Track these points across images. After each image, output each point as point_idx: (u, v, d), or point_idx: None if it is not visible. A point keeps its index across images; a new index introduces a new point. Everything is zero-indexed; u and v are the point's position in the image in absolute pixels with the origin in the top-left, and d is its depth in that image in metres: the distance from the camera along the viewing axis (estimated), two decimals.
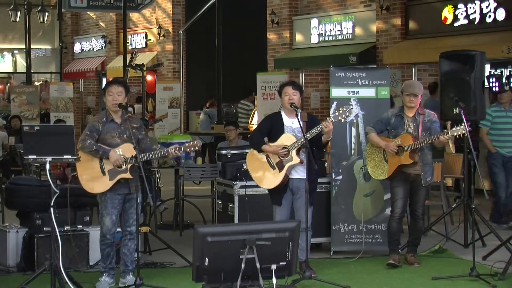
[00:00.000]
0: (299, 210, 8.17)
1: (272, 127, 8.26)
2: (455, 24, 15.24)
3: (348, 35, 17.70)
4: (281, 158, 8.11)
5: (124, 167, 7.67)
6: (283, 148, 8.09)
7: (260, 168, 8.23)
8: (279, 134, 8.17)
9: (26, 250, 8.71)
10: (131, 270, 7.93)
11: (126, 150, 7.68)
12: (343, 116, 8.05)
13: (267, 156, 8.19)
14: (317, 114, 17.75)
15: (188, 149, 7.77)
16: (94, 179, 7.72)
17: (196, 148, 7.81)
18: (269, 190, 8.31)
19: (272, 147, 8.14)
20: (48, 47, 31.45)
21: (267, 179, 8.21)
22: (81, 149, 7.64)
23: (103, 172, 7.70)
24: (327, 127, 7.94)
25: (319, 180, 9.42)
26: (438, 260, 9.09)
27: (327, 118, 8.07)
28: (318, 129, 7.97)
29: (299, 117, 8.06)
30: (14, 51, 31.41)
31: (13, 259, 8.79)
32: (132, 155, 7.63)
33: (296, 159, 8.09)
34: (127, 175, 7.67)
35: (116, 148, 7.68)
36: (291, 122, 8.22)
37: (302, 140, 8.00)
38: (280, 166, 8.13)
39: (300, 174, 8.17)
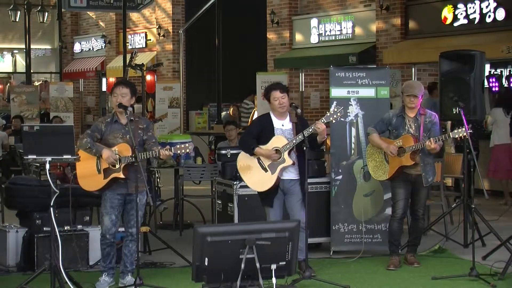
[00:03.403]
0: (293, 210, 8.18)
1: (262, 129, 8.26)
2: (455, 24, 15.24)
3: (348, 35, 17.70)
4: (273, 160, 8.12)
5: (117, 166, 7.68)
6: (275, 150, 8.10)
7: (251, 171, 8.23)
8: (269, 136, 8.18)
9: (26, 250, 8.71)
10: (130, 270, 7.93)
11: (122, 150, 7.69)
12: (334, 116, 8.08)
13: (258, 159, 8.20)
14: (317, 114, 17.78)
15: (178, 151, 7.75)
16: (89, 176, 7.78)
17: (188, 150, 7.79)
18: (259, 192, 8.32)
19: (264, 151, 8.14)
20: (48, 47, 31.44)
21: (260, 181, 8.21)
22: (78, 147, 7.72)
23: (99, 171, 7.74)
24: (320, 129, 7.98)
25: (319, 180, 9.45)
26: (438, 260, 9.09)
27: (318, 120, 8.10)
28: (311, 130, 8.00)
29: (298, 114, 8.12)
30: (14, 51, 31.39)
31: (13, 259, 8.80)
32: (128, 155, 7.64)
33: (288, 161, 8.10)
34: (119, 175, 7.67)
35: (113, 148, 7.70)
36: (281, 124, 8.24)
37: (294, 141, 8.03)
38: (272, 168, 8.14)
39: (290, 175, 8.19)
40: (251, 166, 8.23)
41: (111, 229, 7.79)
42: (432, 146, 8.35)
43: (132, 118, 7.75)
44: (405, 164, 8.56)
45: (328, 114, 8.11)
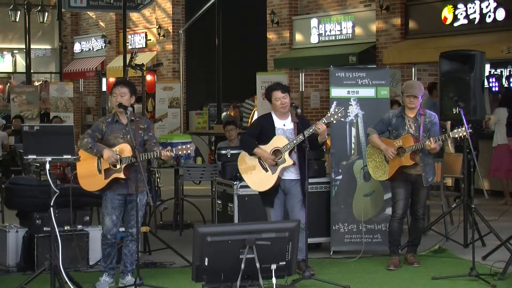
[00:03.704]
0: (293, 210, 8.19)
1: (263, 129, 8.27)
2: (455, 24, 15.24)
3: (348, 35, 17.70)
4: (274, 160, 8.12)
5: (118, 166, 7.67)
6: (276, 150, 8.10)
7: (252, 170, 8.24)
8: (270, 136, 8.19)
9: (26, 250, 8.70)
10: (130, 271, 7.93)
11: (123, 150, 7.69)
12: (335, 117, 8.08)
13: (259, 159, 8.20)
14: (317, 114, 17.79)
15: (179, 152, 7.74)
16: (90, 176, 7.77)
17: (189, 151, 7.79)
18: (260, 192, 8.32)
19: (263, 152, 8.15)
20: (48, 47, 31.44)
21: (260, 181, 8.22)
22: (79, 147, 7.72)
23: (99, 171, 7.73)
24: (320, 129, 7.98)
25: (319, 180, 9.45)
26: (438, 260, 9.09)
27: (319, 120, 8.10)
28: (311, 130, 8.00)
29: (298, 114, 8.12)
30: (14, 51, 31.38)
31: (13, 259, 8.79)
32: (129, 156, 7.63)
33: (289, 161, 8.10)
34: (120, 175, 7.67)
35: (114, 148, 7.69)
36: (282, 124, 8.24)
37: (294, 141, 8.03)
38: (273, 168, 8.14)
39: (291, 175, 8.20)
40: (252, 165, 8.24)
41: (112, 230, 7.79)
42: (432, 146, 8.35)
43: (132, 118, 7.75)
44: (405, 164, 8.55)
45: (329, 115, 8.11)
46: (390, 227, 8.80)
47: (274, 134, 8.19)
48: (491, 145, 13.67)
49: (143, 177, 7.65)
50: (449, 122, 12.61)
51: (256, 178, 8.23)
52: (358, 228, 9.45)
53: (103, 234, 7.84)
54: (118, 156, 7.65)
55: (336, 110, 8.11)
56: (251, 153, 8.22)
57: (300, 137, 7.99)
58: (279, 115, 8.27)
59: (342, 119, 8.88)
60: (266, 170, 8.17)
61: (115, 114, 7.83)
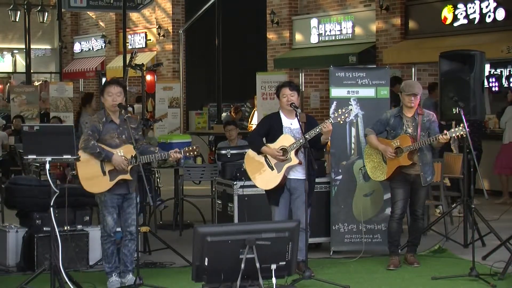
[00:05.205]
0: (297, 210, 8.18)
1: (271, 127, 8.27)
2: (455, 24, 15.25)
3: (347, 35, 17.70)
4: (278, 160, 8.12)
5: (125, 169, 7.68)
6: (282, 149, 8.10)
7: (258, 168, 8.24)
8: (278, 134, 8.18)
9: (26, 250, 8.70)
10: (130, 270, 7.93)
11: (127, 152, 7.69)
12: (342, 117, 8.06)
13: (266, 157, 8.20)
14: (317, 114, 17.77)
15: (187, 153, 7.75)
16: (94, 178, 7.72)
17: (196, 152, 7.80)
18: (266, 190, 8.33)
19: (271, 150, 8.15)
20: (48, 47, 31.45)
21: (266, 179, 8.22)
22: (84, 149, 7.65)
23: (104, 172, 7.70)
24: (326, 128, 7.96)
25: (319, 180, 9.43)
26: (438, 260, 9.09)
27: (326, 119, 8.07)
28: (317, 130, 7.98)
29: (298, 117, 8.08)
30: (14, 51, 31.40)
31: (12, 259, 8.79)
32: (132, 156, 7.64)
33: (294, 160, 8.10)
34: (127, 176, 7.67)
35: (117, 150, 7.68)
36: (289, 123, 8.23)
37: (301, 141, 8.01)
38: (279, 167, 8.14)
39: (297, 174, 8.18)
40: (258, 163, 8.24)
41: (114, 227, 7.79)
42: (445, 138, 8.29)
43: (125, 118, 7.73)
44: (403, 164, 8.55)
45: (336, 115, 8.07)
46: (389, 227, 8.80)
47: (282, 133, 8.18)
48: (492, 145, 13.67)
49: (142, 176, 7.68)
50: (453, 123, 12.62)
51: (262, 176, 8.23)
52: (358, 228, 9.45)
53: (107, 233, 7.78)
54: (127, 160, 7.65)
55: (344, 110, 8.08)
56: (259, 152, 8.23)
57: (306, 136, 7.98)
58: (287, 114, 8.26)
59: (350, 118, 8.87)
60: (272, 169, 8.17)
61: (108, 114, 7.80)
